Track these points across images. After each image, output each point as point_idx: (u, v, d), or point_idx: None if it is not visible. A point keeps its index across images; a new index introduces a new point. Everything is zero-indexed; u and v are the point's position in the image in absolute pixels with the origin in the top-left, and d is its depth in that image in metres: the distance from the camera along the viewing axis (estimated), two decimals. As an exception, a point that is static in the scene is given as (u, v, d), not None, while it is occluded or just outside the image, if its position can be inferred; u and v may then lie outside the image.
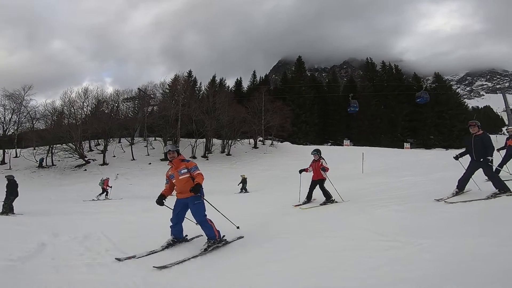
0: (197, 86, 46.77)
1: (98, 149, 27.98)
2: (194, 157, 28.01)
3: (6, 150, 24.86)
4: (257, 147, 31.16)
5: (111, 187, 15.58)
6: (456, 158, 5.55)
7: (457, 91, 57.59)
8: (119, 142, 29.67)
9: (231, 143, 29.93)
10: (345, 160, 23.90)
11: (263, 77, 60.39)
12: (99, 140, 28.65)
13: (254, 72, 56.77)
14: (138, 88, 36.50)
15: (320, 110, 47.31)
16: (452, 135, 43.73)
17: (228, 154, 29.24)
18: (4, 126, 25.50)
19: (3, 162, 24.33)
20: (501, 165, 7.33)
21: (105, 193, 15.02)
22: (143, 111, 34.09)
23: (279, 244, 4.04)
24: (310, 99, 46.06)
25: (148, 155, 28.42)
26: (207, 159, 28.28)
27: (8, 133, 25.96)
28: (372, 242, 3.56)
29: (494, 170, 5.58)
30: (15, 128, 26.30)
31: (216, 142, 30.81)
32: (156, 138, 31.41)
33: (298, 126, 40.80)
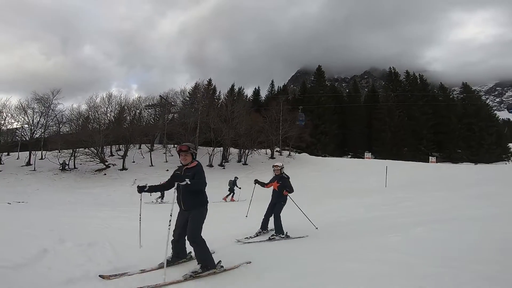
0: (217, 94, 47.26)
1: (118, 154, 28.62)
2: (211, 166, 28.01)
3: (32, 152, 25.92)
4: (274, 157, 30.69)
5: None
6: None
7: (486, 102, 54.43)
8: (139, 148, 30.25)
9: (248, 152, 29.67)
10: (367, 174, 23.06)
11: (282, 86, 60.31)
12: (120, 146, 29.34)
13: (273, 81, 57.04)
14: (160, 95, 37.42)
15: (340, 121, 46.26)
16: (481, 149, 41.14)
17: (245, 164, 28.97)
18: (32, 128, 26.71)
19: (28, 164, 25.35)
20: (264, 223, 5.49)
21: (161, 196, 14.88)
22: (164, 118, 34.81)
23: (295, 268, 3.52)
24: (330, 109, 45.24)
25: (167, 161, 28.70)
26: (224, 168, 28.13)
27: (35, 136, 27.20)
28: (414, 268, 3.02)
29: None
30: (42, 131, 27.50)
31: (233, 151, 30.70)
32: (175, 145, 31.82)
33: (317, 137, 40.01)
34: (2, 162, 24.95)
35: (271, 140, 31.00)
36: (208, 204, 3.54)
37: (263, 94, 55.15)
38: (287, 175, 5.58)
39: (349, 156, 42.14)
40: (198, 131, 30.41)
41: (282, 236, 5.15)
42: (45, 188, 22.21)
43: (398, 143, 42.67)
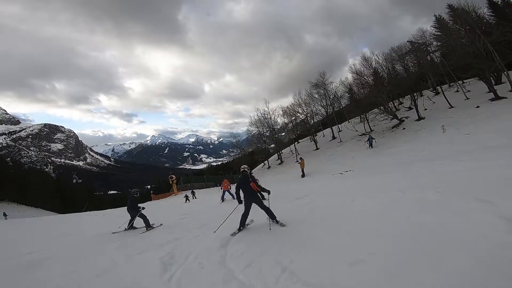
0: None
1: (404, 106, 27.33)
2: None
3: (332, 128, 29.79)
4: None
5: None
6: None
7: None
8: (421, 95, 27.55)
9: None
10: None
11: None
12: (400, 99, 27.99)
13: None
14: (408, 41, 33.15)
15: None
16: None
17: None
18: (326, 107, 30.60)
19: (333, 137, 29.27)
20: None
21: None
22: (427, 59, 30.18)
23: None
24: None
25: (468, 98, 23.99)
26: None
27: (329, 112, 31.24)
28: None
29: None
30: (331, 109, 31.12)
31: None
32: (464, 80, 26.32)
33: None
34: (317, 141, 30.28)
35: None
36: None
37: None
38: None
39: None
40: (495, 54, 23.12)
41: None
42: (357, 155, 24.19)
43: None
